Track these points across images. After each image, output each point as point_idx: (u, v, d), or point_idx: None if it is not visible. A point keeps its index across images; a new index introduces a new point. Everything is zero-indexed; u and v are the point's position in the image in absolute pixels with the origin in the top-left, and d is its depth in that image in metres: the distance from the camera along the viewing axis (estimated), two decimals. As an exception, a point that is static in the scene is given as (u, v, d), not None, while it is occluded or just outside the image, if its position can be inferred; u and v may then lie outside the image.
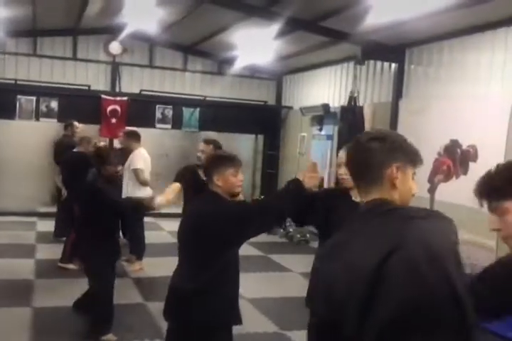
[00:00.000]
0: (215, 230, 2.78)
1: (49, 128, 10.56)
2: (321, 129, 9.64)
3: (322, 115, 9.42)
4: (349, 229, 1.64)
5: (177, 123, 10.46)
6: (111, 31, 10.00)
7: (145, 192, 6.43)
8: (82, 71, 10.10)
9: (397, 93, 7.56)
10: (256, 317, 5.17)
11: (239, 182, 3.00)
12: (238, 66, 10.19)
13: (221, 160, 3.00)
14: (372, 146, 1.64)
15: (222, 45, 9.65)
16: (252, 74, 10.86)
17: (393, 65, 7.71)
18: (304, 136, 10.16)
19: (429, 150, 6.89)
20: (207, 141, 5.27)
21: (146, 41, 10.21)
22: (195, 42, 10.24)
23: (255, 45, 8.75)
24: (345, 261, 1.53)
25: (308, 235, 9.07)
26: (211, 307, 2.85)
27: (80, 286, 5.62)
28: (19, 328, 4.68)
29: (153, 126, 10.35)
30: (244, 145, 11.92)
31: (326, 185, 9.34)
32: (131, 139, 6.67)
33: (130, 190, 6.51)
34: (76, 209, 5.13)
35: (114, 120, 10.05)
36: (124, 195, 6.17)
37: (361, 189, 1.69)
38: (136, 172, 6.53)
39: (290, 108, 10.86)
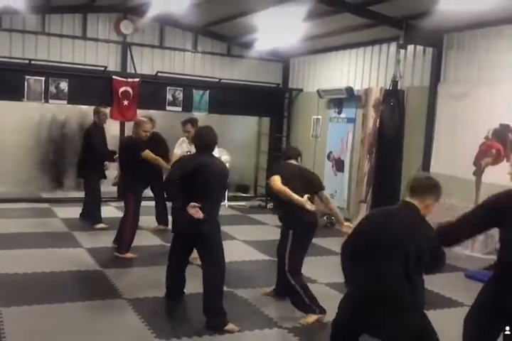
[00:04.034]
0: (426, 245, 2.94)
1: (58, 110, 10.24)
2: (339, 112, 9.72)
3: (342, 98, 9.49)
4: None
5: (187, 105, 10.25)
6: (121, 9, 9.63)
7: None
8: (91, 51, 9.63)
9: (436, 77, 7.72)
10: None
11: (431, 213, 3.10)
12: (252, 48, 10.08)
13: (440, 188, 3.10)
14: None
15: (239, 27, 9.49)
16: (263, 56, 10.72)
17: (429, 49, 7.86)
18: (318, 118, 10.19)
19: (475, 134, 7.15)
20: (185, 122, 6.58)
21: (156, 20, 9.84)
22: (207, 24, 10.01)
23: (274, 28, 8.56)
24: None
25: (333, 218, 9.17)
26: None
27: (154, 275, 5.55)
28: (137, 318, 4.50)
29: (164, 109, 10.11)
30: (246, 127, 11.83)
31: (346, 170, 9.45)
32: None
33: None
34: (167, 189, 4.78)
35: (125, 102, 9.72)
36: None
37: None
38: None
39: (300, 90, 10.85)
